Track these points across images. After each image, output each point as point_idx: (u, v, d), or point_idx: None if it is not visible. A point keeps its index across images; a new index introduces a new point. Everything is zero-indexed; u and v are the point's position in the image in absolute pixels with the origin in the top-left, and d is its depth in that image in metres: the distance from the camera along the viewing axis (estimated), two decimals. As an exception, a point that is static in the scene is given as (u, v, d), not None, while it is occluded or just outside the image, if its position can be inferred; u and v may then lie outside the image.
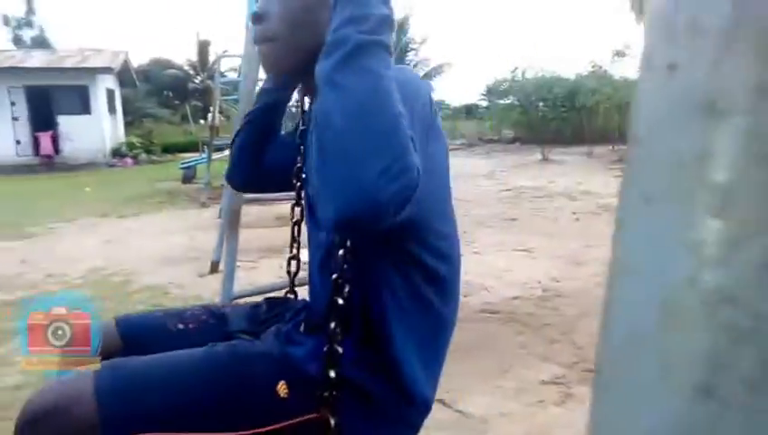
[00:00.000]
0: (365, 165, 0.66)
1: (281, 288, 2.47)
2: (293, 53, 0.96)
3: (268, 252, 4.77)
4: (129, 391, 0.85)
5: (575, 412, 2.19)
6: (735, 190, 0.22)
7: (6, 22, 30.05)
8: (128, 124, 21.01)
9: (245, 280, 3.89)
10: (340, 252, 0.86)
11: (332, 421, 0.85)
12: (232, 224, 3.23)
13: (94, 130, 16.46)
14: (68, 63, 16.54)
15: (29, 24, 30.24)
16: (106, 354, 1.01)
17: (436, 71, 23.62)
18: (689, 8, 0.23)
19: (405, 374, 0.90)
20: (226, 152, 6.86)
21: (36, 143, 15.91)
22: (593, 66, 15.61)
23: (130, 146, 17.74)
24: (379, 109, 0.69)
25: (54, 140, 16.09)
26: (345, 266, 0.86)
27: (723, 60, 0.22)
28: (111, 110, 18.30)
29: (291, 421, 0.87)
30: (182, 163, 11.47)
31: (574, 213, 6.49)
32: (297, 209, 1.19)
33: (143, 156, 17.28)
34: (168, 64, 29.03)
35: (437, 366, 0.97)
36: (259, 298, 2.59)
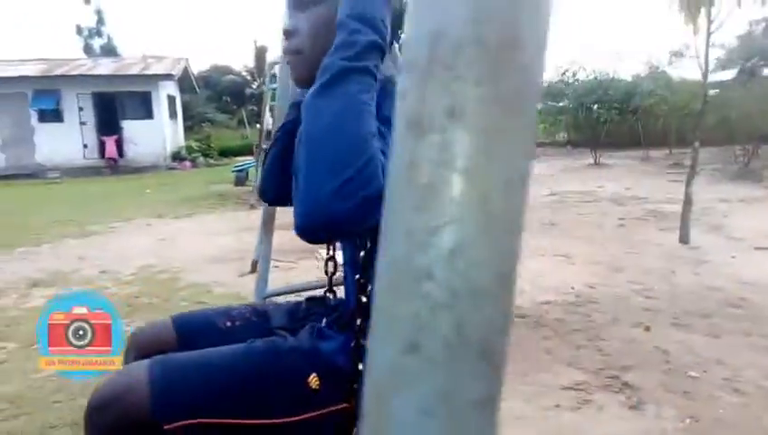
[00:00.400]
0: (323, 182, 0.74)
1: (313, 287, 2.57)
2: (315, 66, 1.05)
3: (307, 253, 4.91)
4: (176, 382, 0.97)
5: (589, 418, 2.19)
6: (433, 190, 0.28)
7: (79, 32, 31.81)
8: (188, 129, 21.82)
9: (284, 280, 4.03)
10: (362, 254, 0.95)
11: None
12: (266, 226, 3.37)
13: (156, 135, 17.23)
14: (132, 71, 17.39)
15: (99, 34, 31.89)
16: (163, 348, 1.13)
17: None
18: (411, 50, 0.29)
19: None
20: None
21: (102, 147, 16.78)
22: (650, 67, 15.13)
23: (189, 150, 18.44)
24: (345, 129, 0.76)
25: (119, 144, 16.93)
26: (367, 266, 0.95)
27: (426, 90, 0.28)
28: (172, 115, 19.09)
29: (322, 411, 0.97)
30: (235, 167, 11.86)
31: (620, 219, 6.35)
32: None
33: (201, 159, 17.94)
34: (226, 70, 30.00)
35: None
36: (292, 297, 2.71)
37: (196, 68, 23.76)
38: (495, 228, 0.28)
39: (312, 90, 0.80)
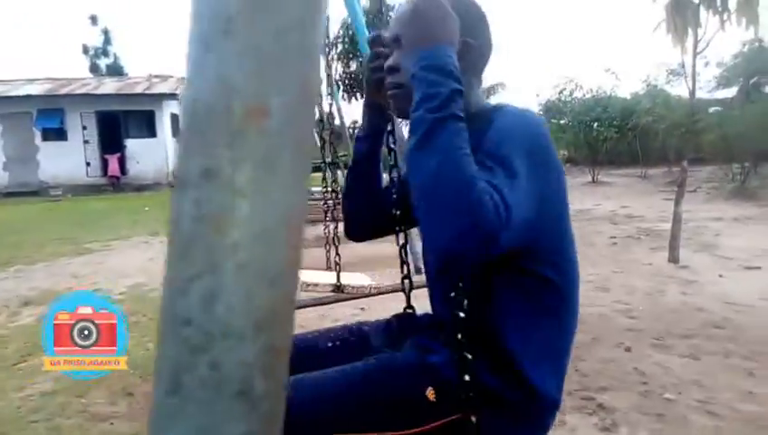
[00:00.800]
0: (439, 231, 0.85)
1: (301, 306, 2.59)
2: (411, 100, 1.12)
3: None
4: (308, 401, 1.02)
5: (560, 439, 2.19)
6: (191, 241, 0.31)
7: (85, 51, 32.25)
8: (190, 146, 21.96)
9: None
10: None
11: (473, 420, 0.99)
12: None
13: (158, 153, 17.36)
14: (136, 90, 17.59)
15: (105, 53, 32.32)
16: None
17: (490, 92, 23.54)
18: (181, 116, 0.32)
19: (530, 378, 1.01)
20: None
21: (105, 165, 16.92)
22: (648, 85, 15.19)
23: (191, 167, 18.58)
24: (449, 180, 0.83)
25: (121, 162, 17.07)
26: (460, 284, 1.00)
27: (186, 153, 0.31)
28: (176, 133, 19.25)
29: (440, 422, 1.03)
30: (235, 184, 11.96)
31: (612, 237, 6.36)
32: (401, 235, 1.34)
33: (202, 177, 18.06)
34: (230, 89, 30.31)
35: (562, 368, 1.08)
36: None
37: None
38: (248, 277, 0.31)
39: (410, 143, 0.88)
